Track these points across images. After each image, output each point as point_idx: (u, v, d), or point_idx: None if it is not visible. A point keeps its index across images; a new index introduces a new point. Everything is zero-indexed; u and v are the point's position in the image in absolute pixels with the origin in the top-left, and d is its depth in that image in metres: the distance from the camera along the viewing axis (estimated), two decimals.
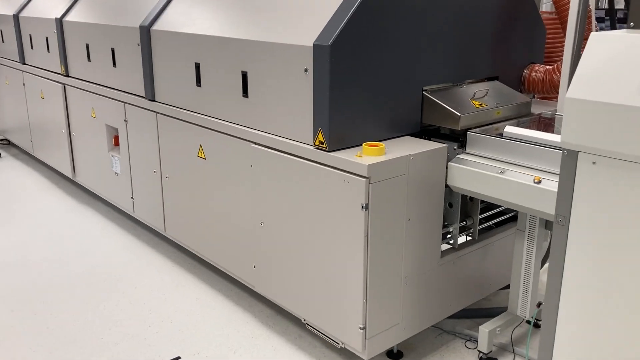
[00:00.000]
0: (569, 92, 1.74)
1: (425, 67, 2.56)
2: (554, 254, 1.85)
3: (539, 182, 2.17)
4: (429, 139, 2.57)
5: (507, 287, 2.98)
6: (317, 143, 2.37)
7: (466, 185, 2.43)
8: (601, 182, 1.71)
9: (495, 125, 2.60)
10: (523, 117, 2.75)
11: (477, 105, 2.61)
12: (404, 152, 2.31)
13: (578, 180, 1.76)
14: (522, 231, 2.60)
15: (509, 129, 2.39)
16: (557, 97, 3.22)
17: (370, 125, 2.43)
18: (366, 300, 2.33)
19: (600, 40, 1.72)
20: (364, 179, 2.19)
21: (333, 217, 2.37)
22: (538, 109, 2.91)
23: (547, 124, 2.69)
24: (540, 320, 2.86)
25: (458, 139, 2.57)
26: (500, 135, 2.41)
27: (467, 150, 2.49)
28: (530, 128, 2.59)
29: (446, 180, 2.49)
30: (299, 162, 2.47)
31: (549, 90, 3.02)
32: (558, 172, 2.17)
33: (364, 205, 2.21)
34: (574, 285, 1.82)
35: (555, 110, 2.84)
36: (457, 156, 2.49)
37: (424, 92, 2.58)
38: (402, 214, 2.35)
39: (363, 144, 2.31)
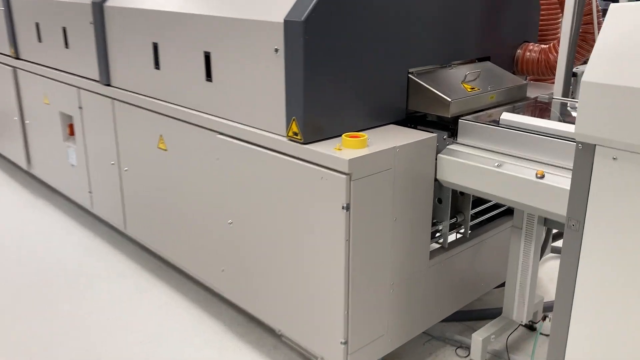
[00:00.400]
0: (585, 75, 1.47)
1: (410, 46, 2.28)
2: (565, 264, 1.60)
3: (542, 176, 1.92)
4: (416, 128, 2.29)
5: (502, 285, 2.76)
6: (290, 134, 2.08)
7: (458, 180, 2.17)
8: (623, 180, 1.45)
9: (488, 112, 2.33)
10: (518, 102, 2.49)
11: (469, 90, 2.34)
12: (389, 144, 2.04)
13: (595, 179, 1.51)
14: (519, 228, 2.35)
15: (506, 116, 2.12)
16: (552, 79, 2.97)
17: (350, 113, 2.14)
18: (348, 312, 2.06)
19: (623, 12, 1.45)
20: (345, 176, 1.91)
21: (310, 217, 2.08)
22: (532, 92, 2.65)
23: (545, 109, 2.44)
24: (535, 323, 2.64)
25: (448, 127, 2.30)
26: (496, 123, 2.15)
27: (459, 140, 2.22)
28: (528, 114, 2.33)
29: (435, 174, 2.22)
30: (271, 155, 2.17)
31: (545, 71, 2.76)
32: (563, 166, 1.93)
33: (345, 205, 1.93)
34: (589, 298, 1.57)
35: (552, 94, 2.58)
36: (448, 147, 2.22)
37: (409, 75, 2.29)
38: (387, 214, 2.08)
39: (343, 135, 2.03)
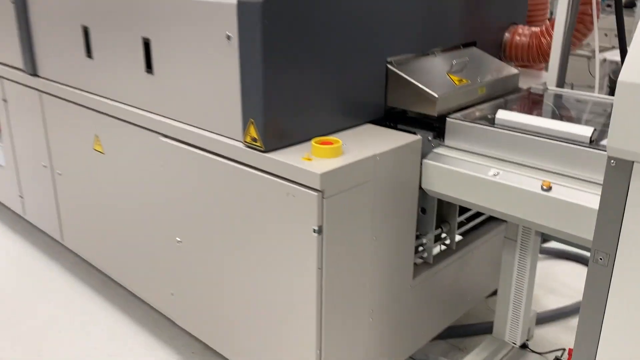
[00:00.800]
0: (622, 75, 1.16)
1: (388, 31, 1.93)
2: (587, 308, 1.31)
3: (549, 188, 1.61)
4: (396, 127, 1.96)
5: (493, 294, 2.49)
6: (248, 140, 1.72)
7: (448, 190, 1.85)
8: None
9: (479, 107, 2.01)
10: (510, 95, 2.18)
11: (457, 82, 2.01)
12: (367, 151, 1.70)
13: (631, 203, 1.20)
14: (513, 240, 2.06)
15: (503, 114, 1.81)
16: (542, 67, 2.68)
17: (320, 113, 1.79)
18: (320, 350, 1.74)
19: None
20: (316, 193, 1.56)
21: (274, 240, 1.74)
22: (521, 81, 2.34)
23: (541, 102, 2.14)
24: (529, 340, 2.38)
25: (432, 126, 1.98)
26: (490, 122, 1.83)
27: (446, 142, 1.90)
28: (524, 110, 2.03)
29: (420, 181, 1.90)
30: (225, 165, 1.81)
31: (536, 57, 2.46)
32: (572, 175, 1.63)
33: (317, 228, 1.59)
34: (617, 353, 1.28)
35: (546, 83, 2.28)
36: (434, 150, 1.89)
37: (388, 66, 1.95)
38: (366, 233, 1.75)
39: (313, 141, 1.68)
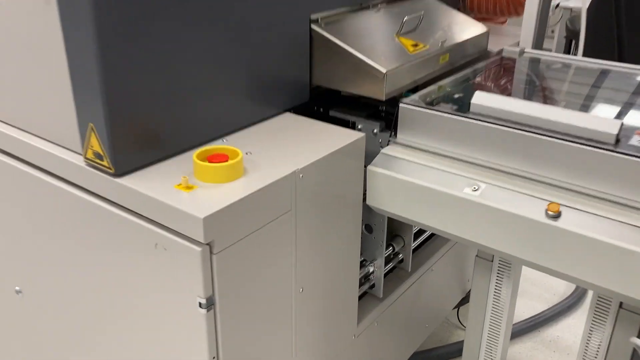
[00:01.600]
0: None
1: None
2: None
3: (557, 215, 1.07)
4: (327, 116, 1.37)
5: (460, 303, 2.02)
6: (89, 156, 1.07)
7: (403, 211, 1.28)
8: None
9: (442, 83, 1.43)
10: (478, 62, 1.61)
11: (410, 48, 1.41)
12: (285, 164, 1.09)
13: None
14: (487, 260, 1.54)
15: (481, 98, 1.24)
16: (503, 20, 2.13)
17: (209, 104, 1.16)
18: None
19: None
20: (199, 248, 0.95)
21: (142, 308, 1.12)
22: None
23: (522, 72, 1.58)
24: None
25: (379, 112, 1.40)
26: (463, 108, 1.26)
27: (400, 137, 1.32)
28: (503, 86, 1.48)
29: (364, 196, 1.32)
30: (64, 191, 1.15)
31: (506, 9, 1.89)
32: (589, 192, 1.09)
33: (204, 301, 0.98)
34: None
35: (518, 44, 1.73)
36: (382, 151, 1.31)
37: (312, 26, 1.33)
38: (287, 286, 1.17)
39: (195, 156, 1.05)
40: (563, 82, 1.53)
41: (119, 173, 1.03)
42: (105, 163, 1.03)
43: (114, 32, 0.95)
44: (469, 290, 2.07)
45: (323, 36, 1.32)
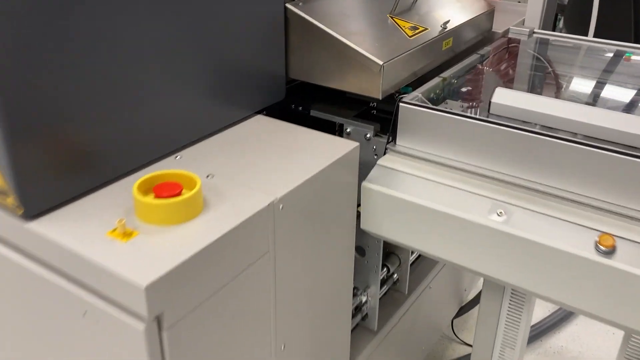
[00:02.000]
0: None
1: None
2: None
3: (612, 250, 0.83)
4: (309, 115, 1.11)
5: (458, 313, 1.80)
6: None
7: (406, 239, 1.02)
8: None
9: (448, 74, 1.18)
10: (483, 46, 1.35)
11: (408, 32, 1.14)
12: (258, 193, 0.82)
13: None
14: (499, 284, 1.30)
15: (502, 97, 0.99)
16: None
17: (151, 110, 0.87)
18: None
19: None
20: (142, 324, 0.68)
21: None
22: None
23: (540, 59, 1.33)
24: None
25: (373, 113, 1.15)
26: (479, 109, 1.01)
27: (399, 144, 1.06)
28: (522, 77, 1.23)
29: (358, 219, 1.07)
30: None
31: None
32: None
33: None
34: None
35: (523, 22, 1.49)
36: (379, 162, 1.05)
37: (288, 6, 1.05)
38: (265, 347, 0.91)
39: (135, 188, 0.77)
40: (589, 69, 1.29)
41: (30, 215, 0.75)
42: (10, 201, 0.75)
43: (8, 22, 0.66)
44: (466, 301, 1.87)
45: (301, 17, 1.05)
